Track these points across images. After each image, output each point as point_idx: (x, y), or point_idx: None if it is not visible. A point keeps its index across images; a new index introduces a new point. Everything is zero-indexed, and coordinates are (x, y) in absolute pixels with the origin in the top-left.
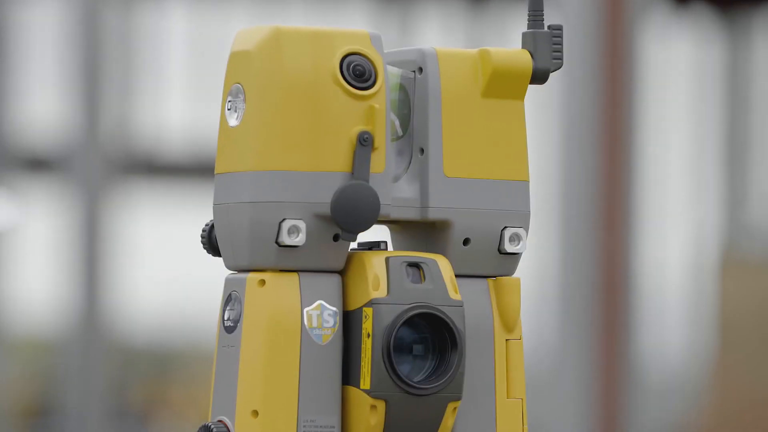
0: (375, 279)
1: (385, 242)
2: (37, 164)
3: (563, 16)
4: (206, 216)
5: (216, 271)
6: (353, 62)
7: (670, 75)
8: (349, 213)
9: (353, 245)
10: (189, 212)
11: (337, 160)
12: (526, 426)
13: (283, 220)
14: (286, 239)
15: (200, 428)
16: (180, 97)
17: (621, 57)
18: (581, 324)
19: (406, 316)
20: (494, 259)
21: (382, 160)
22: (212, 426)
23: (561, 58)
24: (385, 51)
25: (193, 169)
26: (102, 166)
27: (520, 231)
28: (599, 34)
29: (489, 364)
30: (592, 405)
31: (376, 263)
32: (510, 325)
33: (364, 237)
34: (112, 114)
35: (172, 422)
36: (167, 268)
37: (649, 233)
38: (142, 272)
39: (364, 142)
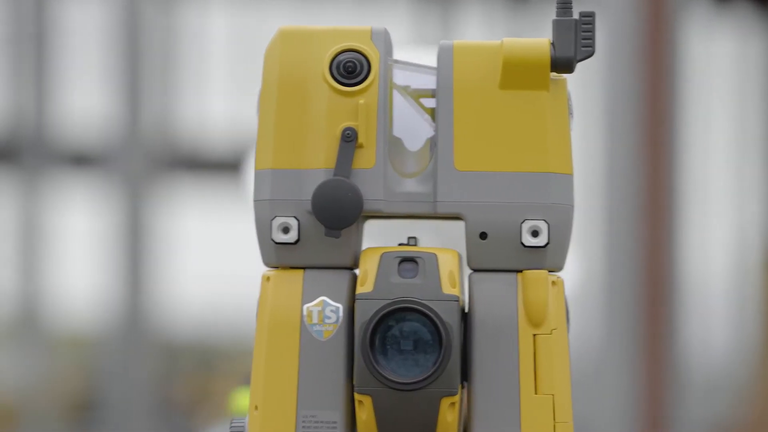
0: (364, 274)
1: (415, 238)
2: (81, 160)
3: (605, 14)
4: (248, 212)
5: (259, 266)
6: (345, 59)
7: (712, 72)
8: (327, 209)
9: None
10: (231, 208)
11: (325, 157)
12: (568, 422)
13: (274, 217)
14: (277, 237)
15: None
16: (222, 93)
17: (663, 54)
18: (625, 321)
19: (384, 311)
20: (518, 252)
21: (371, 156)
22: (233, 421)
23: (591, 46)
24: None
25: (236, 166)
26: (145, 162)
27: (541, 223)
28: (641, 32)
29: (513, 360)
30: (636, 402)
31: (370, 259)
32: (537, 319)
33: (403, 234)
34: (154, 110)
35: (216, 416)
36: (210, 264)
37: (692, 230)
38: (185, 268)
39: (347, 137)
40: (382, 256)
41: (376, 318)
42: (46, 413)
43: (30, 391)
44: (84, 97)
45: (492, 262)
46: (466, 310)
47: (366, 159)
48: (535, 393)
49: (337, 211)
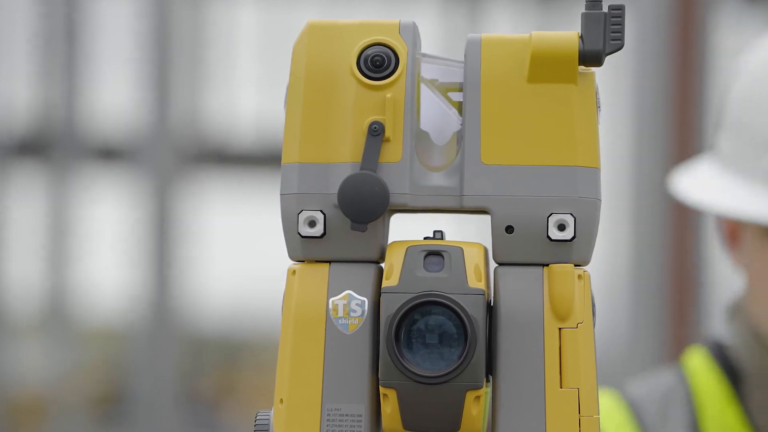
0: (390, 268)
1: (441, 232)
2: (109, 154)
3: (635, 7)
4: (276, 205)
5: (285, 260)
6: (373, 53)
7: None
8: (353, 203)
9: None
10: (259, 202)
11: (352, 151)
12: (593, 415)
13: (301, 211)
14: (303, 230)
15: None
16: (250, 87)
17: (692, 48)
18: (652, 315)
19: (409, 305)
20: (544, 246)
21: (398, 150)
22: (258, 413)
23: (620, 39)
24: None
25: (264, 159)
26: (173, 156)
27: (567, 217)
28: (671, 26)
29: (539, 354)
30: None
31: (396, 252)
32: (563, 313)
33: (429, 227)
34: (182, 104)
35: (242, 410)
36: (237, 258)
37: None
38: (212, 262)
39: (374, 131)
40: (407, 249)
41: (402, 312)
42: (73, 406)
43: (57, 383)
44: (113, 92)
45: (518, 255)
46: (492, 303)
47: (392, 153)
48: (561, 387)
49: (363, 205)
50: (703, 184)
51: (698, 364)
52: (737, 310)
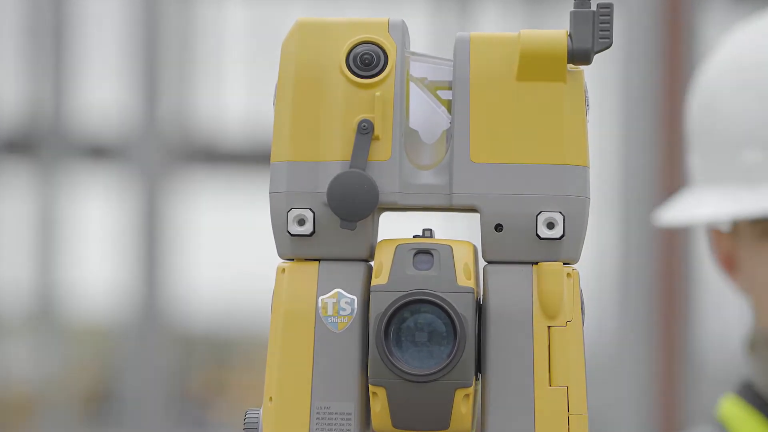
0: (379, 266)
1: (430, 230)
2: (98, 152)
3: (623, 5)
4: (265, 204)
5: (274, 258)
6: (362, 51)
7: None
8: (343, 201)
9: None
10: (248, 200)
11: (341, 150)
12: (583, 414)
13: (290, 209)
14: (293, 228)
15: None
16: (239, 85)
17: (681, 47)
18: (641, 313)
19: (399, 303)
20: (534, 245)
21: (387, 148)
22: (247, 411)
23: (609, 38)
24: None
25: (253, 158)
26: (161, 154)
27: (556, 215)
28: (659, 24)
29: (528, 352)
30: (651, 394)
31: (385, 250)
32: (552, 311)
33: (418, 226)
34: (171, 103)
35: (232, 408)
36: (226, 256)
37: None
38: (201, 259)
39: (363, 130)
40: (397, 248)
41: (391, 310)
42: (62, 405)
43: (46, 382)
44: (101, 90)
45: (507, 254)
46: (481, 301)
47: (382, 151)
48: (550, 385)
49: (353, 204)
50: (688, 205)
51: (733, 411)
52: (755, 342)
